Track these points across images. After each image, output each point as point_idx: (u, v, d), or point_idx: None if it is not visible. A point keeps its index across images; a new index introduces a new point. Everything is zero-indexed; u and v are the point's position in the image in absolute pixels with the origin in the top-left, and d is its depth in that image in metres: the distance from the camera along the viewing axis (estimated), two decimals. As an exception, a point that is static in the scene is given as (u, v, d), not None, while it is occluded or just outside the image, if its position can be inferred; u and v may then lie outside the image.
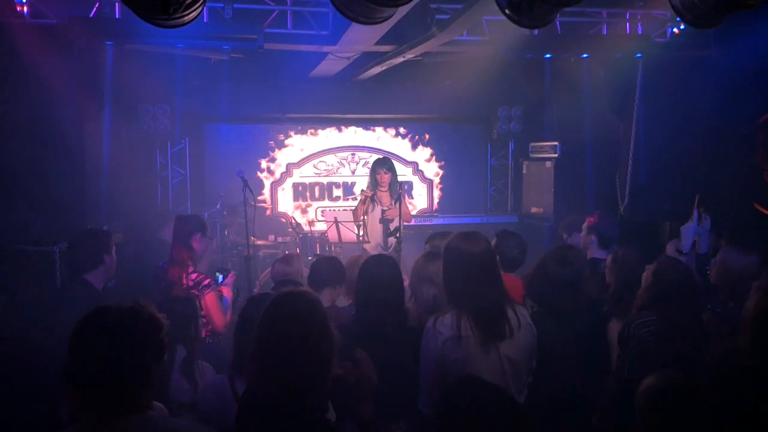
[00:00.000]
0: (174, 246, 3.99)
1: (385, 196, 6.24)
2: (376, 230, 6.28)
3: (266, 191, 8.65)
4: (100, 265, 3.57)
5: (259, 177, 8.54)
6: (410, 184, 9.04)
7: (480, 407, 1.77)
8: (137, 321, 1.79)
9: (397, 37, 5.97)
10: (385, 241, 6.23)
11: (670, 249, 4.04)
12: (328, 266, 3.67)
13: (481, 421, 1.74)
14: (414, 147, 9.03)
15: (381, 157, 6.99)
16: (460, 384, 1.92)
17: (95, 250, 3.59)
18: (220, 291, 4.05)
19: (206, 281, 3.87)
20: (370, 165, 8.66)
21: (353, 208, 6.55)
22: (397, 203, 5.96)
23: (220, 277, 4.12)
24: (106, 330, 1.75)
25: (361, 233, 6.56)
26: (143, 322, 1.79)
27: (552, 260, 3.11)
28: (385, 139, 8.95)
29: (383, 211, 6.19)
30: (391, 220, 6.08)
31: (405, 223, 6.03)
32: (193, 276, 3.89)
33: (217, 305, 3.92)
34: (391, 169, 6.25)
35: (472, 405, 1.78)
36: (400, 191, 6.04)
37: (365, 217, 6.29)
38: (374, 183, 6.27)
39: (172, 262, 3.94)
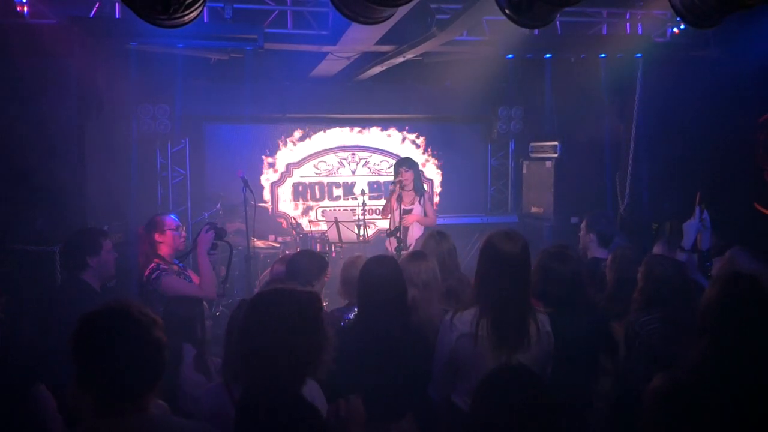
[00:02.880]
0: (141, 255, 4.02)
1: (407, 195, 6.23)
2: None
3: (266, 191, 8.64)
4: (86, 268, 3.52)
5: (258, 177, 8.54)
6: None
7: (516, 398, 1.80)
8: (132, 321, 1.79)
9: (397, 37, 5.97)
10: (405, 242, 6.18)
11: (657, 249, 4.05)
12: (309, 261, 3.63)
13: (517, 412, 1.76)
14: (414, 147, 9.03)
15: (403, 157, 7.02)
16: (496, 375, 1.94)
17: (78, 252, 3.54)
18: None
19: (155, 274, 3.85)
20: (370, 165, 8.80)
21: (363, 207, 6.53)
22: (420, 201, 6.01)
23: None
24: (100, 334, 1.76)
25: (362, 233, 6.56)
26: (138, 321, 1.79)
27: (551, 258, 3.12)
28: (385, 139, 8.94)
29: (404, 211, 6.19)
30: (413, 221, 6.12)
31: (429, 225, 6.08)
32: (146, 273, 3.87)
33: (178, 284, 3.87)
34: (412, 167, 6.28)
35: (508, 396, 1.81)
36: (421, 188, 6.06)
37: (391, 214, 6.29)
38: (395, 182, 6.25)
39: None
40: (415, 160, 8.89)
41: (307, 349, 2.05)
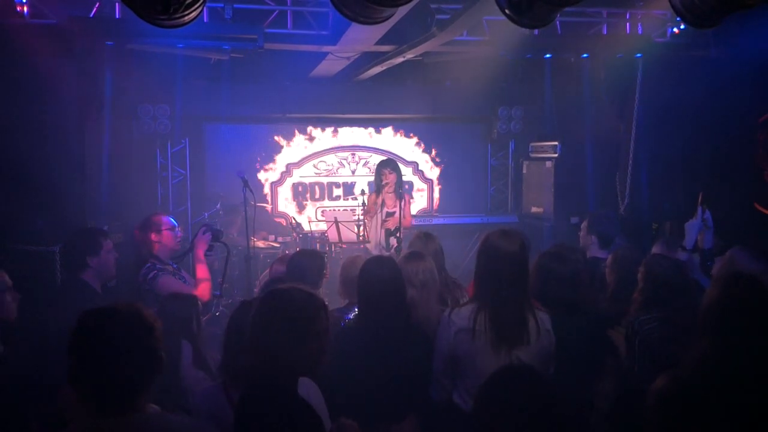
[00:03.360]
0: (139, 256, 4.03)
1: (390, 197, 6.23)
2: (377, 231, 6.28)
3: (266, 191, 8.64)
4: (86, 268, 3.52)
5: (258, 177, 8.54)
6: (411, 184, 9.03)
7: (520, 398, 1.80)
8: (130, 322, 1.80)
9: (397, 37, 5.97)
10: (387, 242, 6.22)
11: (656, 249, 4.06)
12: (310, 261, 3.64)
13: (521, 413, 1.76)
14: (414, 147, 9.03)
15: (385, 158, 7.00)
16: (500, 374, 1.94)
17: (78, 252, 3.54)
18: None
19: (151, 274, 3.86)
20: (370, 165, 8.80)
21: (363, 207, 6.54)
22: (401, 204, 6.01)
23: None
24: (99, 333, 1.76)
25: (362, 233, 6.56)
26: (135, 322, 1.80)
27: (550, 258, 3.11)
28: (385, 139, 8.94)
29: (387, 214, 6.19)
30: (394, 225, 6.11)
31: (405, 227, 6.06)
32: (143, 272, 3.88)
33: (174, 284, 3.88)
34: (396, 170, 6.26)
35: (512, 396, 1.81)
36: (401, 191, 6.05)
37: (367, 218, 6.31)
38: (379, 184, 6.25)
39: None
40: (415, 159, 8.99)
41: (308, 351, 2.06)
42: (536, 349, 2.70)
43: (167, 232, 4.04)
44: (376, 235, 6.29)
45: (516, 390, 1.84)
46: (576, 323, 2.98)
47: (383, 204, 6.23)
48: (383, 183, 6.18)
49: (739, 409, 2.07)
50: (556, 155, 7.73)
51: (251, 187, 5.83)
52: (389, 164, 6.32)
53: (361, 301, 2.97)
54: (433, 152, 9.08)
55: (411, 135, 9.01)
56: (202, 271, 3.98)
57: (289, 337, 2.04)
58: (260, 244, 7.30)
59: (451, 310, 2.77)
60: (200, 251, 4.01)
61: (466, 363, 2.71)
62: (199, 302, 3.55)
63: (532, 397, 1.82)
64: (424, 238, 3.84)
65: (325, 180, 8.82)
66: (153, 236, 4.00)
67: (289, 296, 2.14)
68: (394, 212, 6.14)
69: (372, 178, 8.71)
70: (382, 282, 2.88)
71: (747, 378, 2.21)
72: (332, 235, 7.00)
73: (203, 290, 3.91)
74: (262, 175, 8.59)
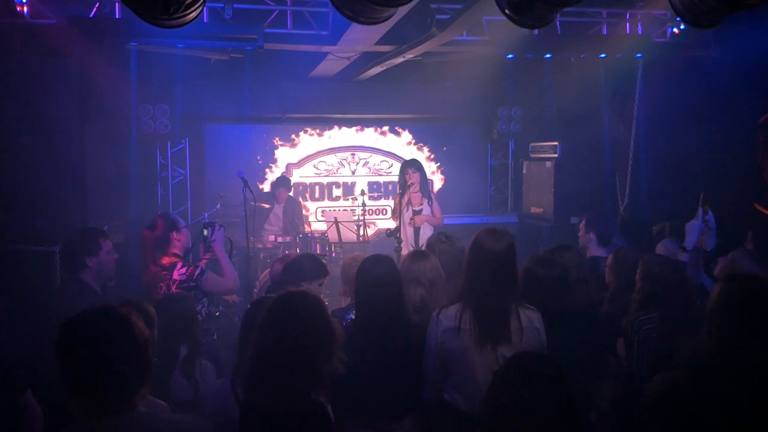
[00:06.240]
0: (156, 256, 3.97)
1: (416, 197, 6.23)
2: (407, 232, 6.22)
3: (266, 191, 8.65)
4: (85, 268, 3.50)
5: (258, 177, 8.53)
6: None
7: (534, 383, 1.86)
8: (112, 324, 1.79)
9: (397, 37, 5.98)
10: (416, 242, 6.19)
11: (660, 248, 4.06)
12: (306, 262, 3.65)
13: (534, 397, 1.82)
14: (413, 147, 9.03)
15: (410, 159, 7.01)
16: (515, 360, 1.99)
17: (77, 253, 3.51)
18: (212, 252, 4.08)
19: (197, 271, 3.86)
20: (370, 165, 8.81)
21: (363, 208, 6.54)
22: (429, 202, 6.03)
23: (205, 231, 4.11)
24: (84, 335, 1.77)
25: (362, 233, 6.57)
26: (121, 323, 1.80)
27: (536, 263, 3.08)
28: (385, 139, 8.95)
29: (414, 212, 6.19)
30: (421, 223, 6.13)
31: (437, 225, 6.10)
32: (183, 270, 3.87)
33: (216, 280, 3.94)
34: (420, 169, 6.28)
35: (525, 381, 1.87)
36: (429, 190, 6.09)
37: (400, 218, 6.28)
38: (404, 184, 6.24)
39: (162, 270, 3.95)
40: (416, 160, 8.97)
41: (324, 352, 2.09)
42: (522, 347, 2.68)
43: (185, 230, 4.08)
44: (404, 234, 6.26)
45: (529, 372, 1.90)
46: (564, 327, 2.94)
47: (409, 203, 6.22)
48: (408, 183, 6.17)
49: (736, 402, 2.08)
50: (556, 155, 7.73)
51: (251, 187, 5.84)
52: (413, 164, 6.34)
53: (358, 300, 2.97)
54: (433, 152, 9.08)
55: (411, 135, 9.01)
56: (227, 263, 4.02)
57: (296, 339, 2.06)
58: (260, 244, 7.31)
59: (440, 311, 2.78)
60: (221, 246, 4.05)
61: (454, 361, 2.74)
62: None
63: (544, 378, 1.89)
64: (443, 239, 3.64)
65: (325, 180, 8.82)
66: (174, 234, 4.01)
67: (298, 301, 2.16)
68: (421, 210, 6.16)
69: (372, 179, 8.77)
70: (379, 280, 2.88)
71: (745, 371, 2.21)
72: (332, 236, 7.01)
73: (235, 282, 4.00)
74: (265, 175, 8.59)
